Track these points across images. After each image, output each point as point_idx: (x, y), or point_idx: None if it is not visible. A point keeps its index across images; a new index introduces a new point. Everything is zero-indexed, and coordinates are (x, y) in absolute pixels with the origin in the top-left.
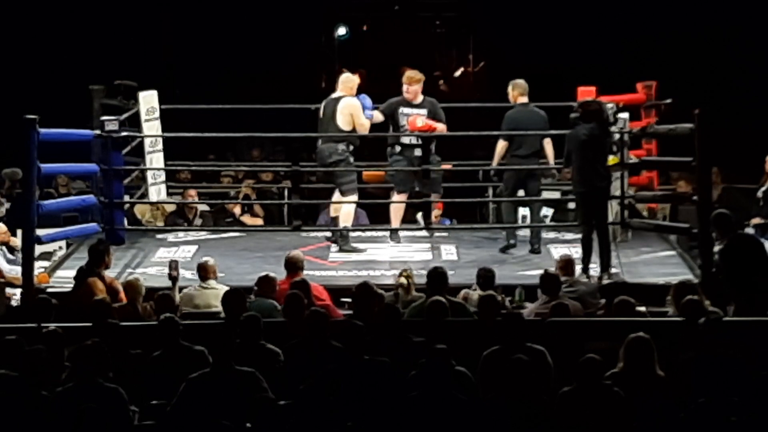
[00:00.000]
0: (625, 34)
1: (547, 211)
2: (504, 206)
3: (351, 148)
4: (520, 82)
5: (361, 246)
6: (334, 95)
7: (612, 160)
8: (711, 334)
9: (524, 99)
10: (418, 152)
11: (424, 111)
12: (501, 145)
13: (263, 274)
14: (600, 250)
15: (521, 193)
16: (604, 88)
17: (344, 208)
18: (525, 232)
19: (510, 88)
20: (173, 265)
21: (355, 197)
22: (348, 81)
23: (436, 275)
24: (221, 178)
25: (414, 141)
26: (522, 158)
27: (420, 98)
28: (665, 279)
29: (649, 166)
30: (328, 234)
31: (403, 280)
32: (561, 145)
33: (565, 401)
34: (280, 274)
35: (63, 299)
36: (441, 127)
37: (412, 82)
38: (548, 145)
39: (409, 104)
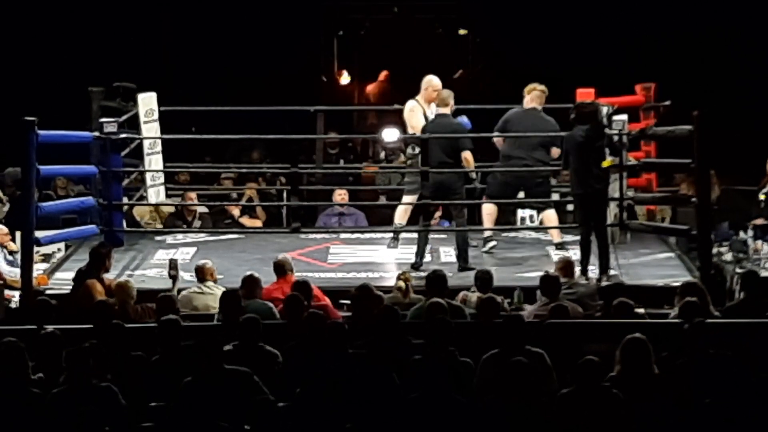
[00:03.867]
0: (624, 35)
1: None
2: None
3: (416, 150)
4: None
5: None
6: None
7: (607, 162)
8: (707, 336)
9: (443, 110)
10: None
11: None
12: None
13: (247, 274)
14: (599, 252)
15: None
16: (602, 89)
17: (399, 207)
18: (524, 234)
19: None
20: (173, 263)
21: (410, 198)
22: (422, 83)
23: (436, 278)
24: (220, 180)
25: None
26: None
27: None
28: (664, 281)
29: (648, 168)
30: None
31: (401, 283)
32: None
33: (563, 403)
34: None
35: (62, 301)
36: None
37: (526, 93)
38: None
39: None
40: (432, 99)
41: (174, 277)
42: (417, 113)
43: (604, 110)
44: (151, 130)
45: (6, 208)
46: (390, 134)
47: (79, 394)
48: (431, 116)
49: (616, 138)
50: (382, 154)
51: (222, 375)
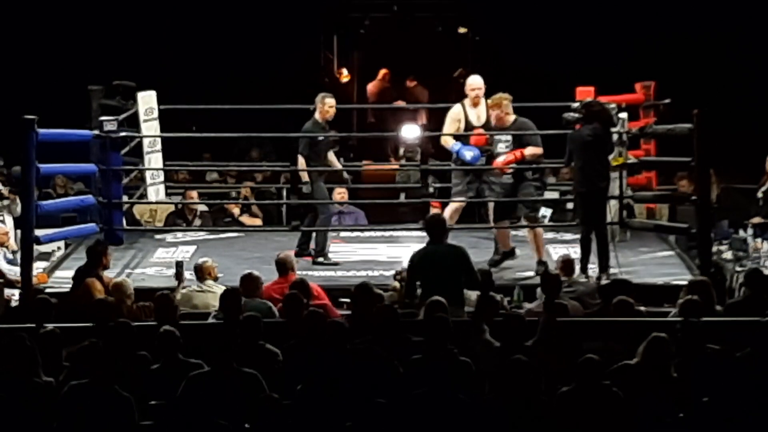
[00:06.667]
0: (623, 34)
1: (545, 211)
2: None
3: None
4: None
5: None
6: None
7: (617, 160)
8: (708, 333)
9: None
10: None
11: None
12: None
13: (246, 272)
14: (599, 251)
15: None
16: (602, 88)
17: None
18: (523, 232)
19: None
20: (179, 265)
21: (459, 199)
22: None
23: None
24: (218, 179)
25: None
26: None
27: None
28: (664, 279)
29: (647, 166)
30: None
31: (396, 284)
32: (560, 145)
33: (563, 401)
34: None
35: (61, 299)
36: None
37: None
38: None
39: None
40: (473, 99)
41: (179, 279)
42: (449, 118)
43: (611, 108)
44: (150, 128)
45: (18, 206)
46: (410, 131)
47: (96, 395)
48: (474, 120)
49: (616, 136)
50: (401, 151)
51: (230, 374)
